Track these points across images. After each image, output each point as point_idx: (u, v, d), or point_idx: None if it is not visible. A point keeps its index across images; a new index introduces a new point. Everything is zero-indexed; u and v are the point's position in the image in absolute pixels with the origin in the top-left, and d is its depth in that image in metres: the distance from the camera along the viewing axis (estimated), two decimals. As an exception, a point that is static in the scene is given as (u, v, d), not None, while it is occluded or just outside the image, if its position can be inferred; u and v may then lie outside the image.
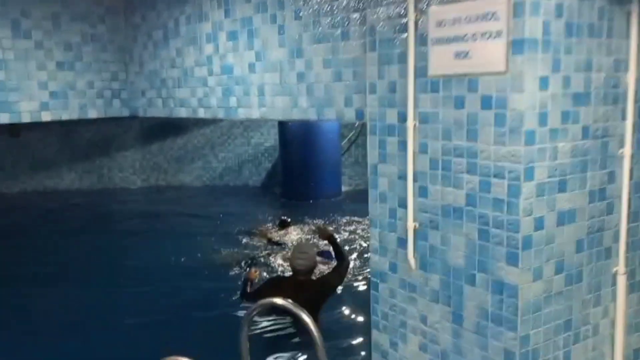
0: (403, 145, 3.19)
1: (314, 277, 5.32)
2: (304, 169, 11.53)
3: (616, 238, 3.03)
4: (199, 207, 11.26)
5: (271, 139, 13.07)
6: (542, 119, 2.64)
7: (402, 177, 3.22)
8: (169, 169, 13.27)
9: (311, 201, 11.46)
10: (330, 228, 6.82)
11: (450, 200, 2.96)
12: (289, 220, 9.14)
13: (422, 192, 3.12)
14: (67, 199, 11.87)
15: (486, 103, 2.73)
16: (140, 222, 10.11)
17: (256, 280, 5.48)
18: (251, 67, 4.45)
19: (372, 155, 3.43)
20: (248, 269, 6.51)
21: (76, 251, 8.29)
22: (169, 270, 7.37)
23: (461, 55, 2.83)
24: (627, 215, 3.04)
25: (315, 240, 8.09)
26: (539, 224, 2.70)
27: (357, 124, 12.15)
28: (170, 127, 12.62)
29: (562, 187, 2.75)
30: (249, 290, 5.34)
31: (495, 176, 2.72)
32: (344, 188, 12.32)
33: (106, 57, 5.75)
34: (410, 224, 3.16)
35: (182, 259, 7.78)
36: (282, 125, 11.71)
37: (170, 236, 9.06)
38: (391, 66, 3.23)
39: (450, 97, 2.90)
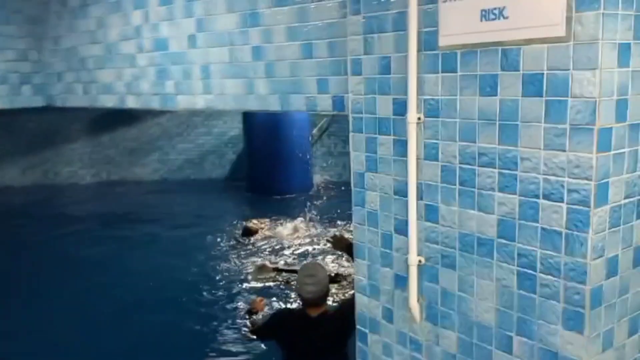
0: (402, 147, 2.26)
1: (330, 304, 4.13)
2: (272, 161, 10.53)
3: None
4: (154, 206, 10.18)
5: (236, 127, 12.00)
6: (621, 110, 1.74)
7: (401, 192, 2.30)
8: (122, 162, 12.08)
9: (279, 196, 10.49)
10: (347, 235, 5.36)
11: (472, 228, 2.05)
12: (256, 224, 8.15)
13: (430, 214, 2.20)
14: (9, 198, 10.60)
15: (533, 86, 1.81)
16: (92, 224, 9.00)
17: (260, 314, 4.25)
18: (191, 40, 3.41)
19: (357, 161, 2.49)
20: (253, 296, 5.25)
21: (17, 263, 7.16)
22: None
23: (491, 13, 1.90)
24: None
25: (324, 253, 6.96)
26: (612, 269, 1.81)
27: (328, 111, 11.20)
28: (122, 116, 11.41)
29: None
30: (249, 325, 4.16)
31: (546, 197, 1.82)
32: (315, 181, 11.38)
33: (11, 31, 4.57)
34: (414, 258, 2.25)
35: (153, 283, 6.42)
36: (247, 112, 10.66)
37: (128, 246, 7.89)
38: (383, 35, 2.29)
39: (474, 77, 1.98)
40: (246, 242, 7.82)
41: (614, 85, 1.70)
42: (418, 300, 2.27)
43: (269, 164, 10.57)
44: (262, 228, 8.11)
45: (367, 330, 2.56)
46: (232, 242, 7.88)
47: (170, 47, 3.57)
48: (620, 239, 1.81)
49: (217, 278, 6.61)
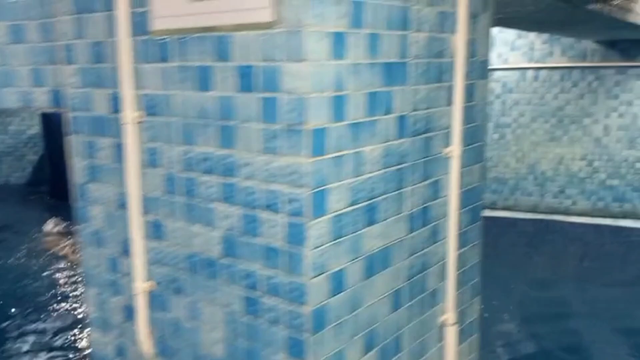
0: (120, 152, 1.88)
1: None
2: (78, 162, 9.45)
3: (442, 275, 2.13)
4: None
5: (36, 125, 10.62)
6: (338, 107, 1.55)
7: (124, 205, 1.92)
8: None
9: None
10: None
11: (198, 247, 1.75)
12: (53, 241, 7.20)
13: (155, 231, 1.86)
14: None
15: (246, 80, 1.55)
16: None
17: None
18: None
19: (78, 169, 2.06)
20: None
21: None
22: None
23: (200, -6, 1.61)
24: (456, 241, 2.15)
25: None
26: (338, 285, 1.62)
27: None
28: None
29: (370, 216, 1.72)
30: None
31: (266, 208, 1.57)
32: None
33: None
34: (140, 285, 1.88)
35: None
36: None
37: None
38: (93, 16, 1.88)
39: (190, 69, 1.67)
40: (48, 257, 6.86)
41: (328, 80, 1.50)
42: (149, 334, 1.91)
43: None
44: (61, 246, 7.19)
45: (102, 371, 2.14)
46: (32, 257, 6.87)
47: None
48: (346, 251, 1.64)
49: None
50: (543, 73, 8.15)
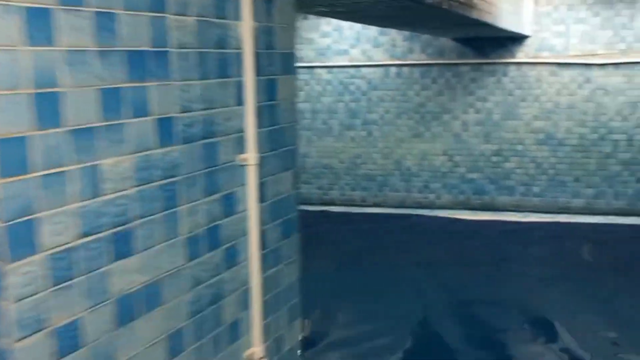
0: None
1: None
2: None
3: (244, 304, 1.83)
4: None
5: None
6: (46, 108, 1.16)
7: None
8: None
9: None
10: None
11: None
12: None
13: None
14: None
15: None
16: None
17: None
18: None
19: None
20: None
21: None
22: None
23: None
24: (259, 262, 1.85)
25: None
26: (67, 343, 1.24)
27: None
28: None
29: (122, 247, 1.35)
30: None
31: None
32: None
33: None
34: None
35: None
36: None
37: None
38: None
39: None
40: None
41: (24, 73, 1.11)
42: None
43: None
44: None
45: None
46: None
47: None
48: (81, 296, 1.26)
49: None
50: (405, 70, 8.29)
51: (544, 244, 6.89)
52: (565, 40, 7.68)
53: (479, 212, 8.30)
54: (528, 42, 7.82)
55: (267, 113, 1.85)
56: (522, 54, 7.88)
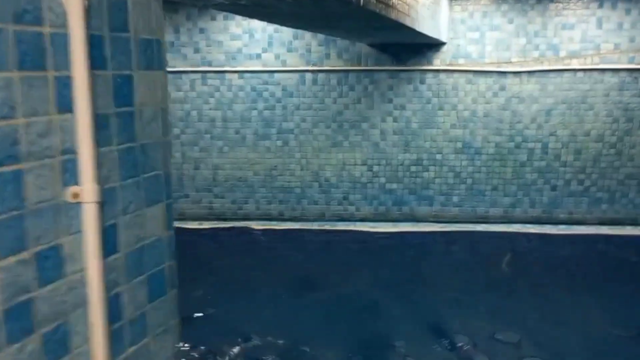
0: None
1: None
2: None
3: (87, 405, 1.23)
4: None
5: None
6: None
7: None
8: None
9: None
10: None
11: None
12: None
13: None
14: None
15: None
16: None
17: None
18: None
19: None
20: None
21: None
22: None
23: None
24: (107, 342, 1.27)
25: None
26: None
27: None
28: None
29: None
30: None
31: None
32: None
33: None
34: None
35: None
36: None
37: None
38: None
39: None
40: None
41: None
42: None
43: None
44: None
45: None
46: None
47: None
48: None
49: None
50: (322, 76, 7.86)
51: (458, 255, 6.79)
52: (480, 48, 7.58)
53: (398, 224, 8.02)
54: (444, 49, 7.66)
55: (116, 124, 1.27)
56: (439, 61, 7.70)
